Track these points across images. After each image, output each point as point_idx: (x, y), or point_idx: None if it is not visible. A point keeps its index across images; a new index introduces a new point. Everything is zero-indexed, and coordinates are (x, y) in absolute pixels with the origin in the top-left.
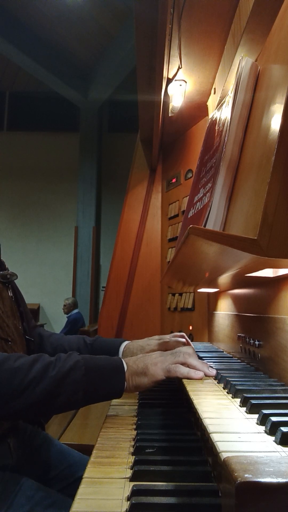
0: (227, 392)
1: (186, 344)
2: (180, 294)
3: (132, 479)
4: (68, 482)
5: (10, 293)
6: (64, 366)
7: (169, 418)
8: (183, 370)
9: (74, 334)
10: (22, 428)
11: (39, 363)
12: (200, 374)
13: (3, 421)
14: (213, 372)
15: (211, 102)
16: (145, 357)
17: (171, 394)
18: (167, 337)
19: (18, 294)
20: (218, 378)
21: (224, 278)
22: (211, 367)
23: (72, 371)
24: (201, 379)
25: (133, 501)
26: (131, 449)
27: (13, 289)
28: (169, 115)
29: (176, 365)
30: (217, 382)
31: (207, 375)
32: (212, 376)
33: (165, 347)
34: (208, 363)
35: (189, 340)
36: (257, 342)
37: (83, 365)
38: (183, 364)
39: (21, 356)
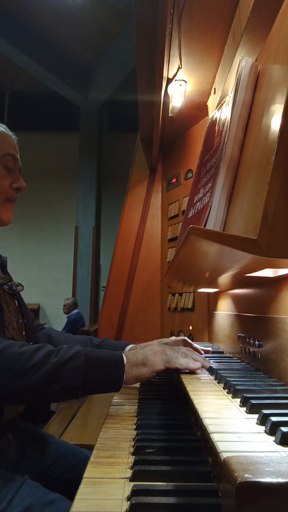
0: (227, 392)
1: (188, 345)
2: (180, 294)
3: (132, 479)
4: (62, 471)
5: (16, 303)
6: (66, 354)
7: (169, 418)
8: (182, 361)
9: (74, 335)
10: (21, 425)
11: (42, 351)
12: (198, 364)
13: (5, 405)
14: (207, 365)
15: (211, 102)
16: (144, 349)
17: (171, 394)
18: (167, 339)
19: (22, 305)
20: (218, 378)
21: (224, 278)
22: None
23: (72, 359)
24: (199, 368)
25: (133, 501)
26: (131, 449)
27: (18, 300)
28: (169, 115)
29: (175, 356)
30: (217, 382)
31: (203, 366)
32: (206, 368)
33: None
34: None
35: (192, 342)
36: (257, 342)
37: (84, 355)
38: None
39: (26, 344)
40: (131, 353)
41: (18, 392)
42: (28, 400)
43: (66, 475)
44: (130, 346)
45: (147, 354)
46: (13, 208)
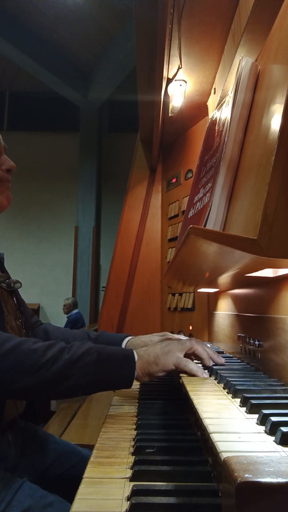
0: (227, 392)
1: None
2: (180, 294)
3: (132, 479)
4: (62, 470)
5: (14, 301)
6: (78, 351)
7: (169, 418)
8: (192, 367)
9: None
10: (21, 425)
11: (55, 348)
12: (206, 375)
13: (5, 406)
14: (222, 360)
15: (211, 102)
16: (155, 347)
17: (171, 394)
18: (170, 334)
19: (20, 301)
20: (218, 378)
21: (224, 278)
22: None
23: (84, 355)
24: (207, 377)
25: (133, 501)
26: (131, 449)
27: (16, 297)
28: (169, 115)
29: (186, 360)
30: (217, 382)
31: (217, 363)
32: (221, 364)
33: None
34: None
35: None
36: (257, 342)
37: (96, 352)
38: (190, 349)
39: (38, 340)
40: (143, 350)
41: (31, 388)
42: (40, 396)
43: (66, 474)
44: (129, 338)
45: (158, 353)
46: (9, 187)
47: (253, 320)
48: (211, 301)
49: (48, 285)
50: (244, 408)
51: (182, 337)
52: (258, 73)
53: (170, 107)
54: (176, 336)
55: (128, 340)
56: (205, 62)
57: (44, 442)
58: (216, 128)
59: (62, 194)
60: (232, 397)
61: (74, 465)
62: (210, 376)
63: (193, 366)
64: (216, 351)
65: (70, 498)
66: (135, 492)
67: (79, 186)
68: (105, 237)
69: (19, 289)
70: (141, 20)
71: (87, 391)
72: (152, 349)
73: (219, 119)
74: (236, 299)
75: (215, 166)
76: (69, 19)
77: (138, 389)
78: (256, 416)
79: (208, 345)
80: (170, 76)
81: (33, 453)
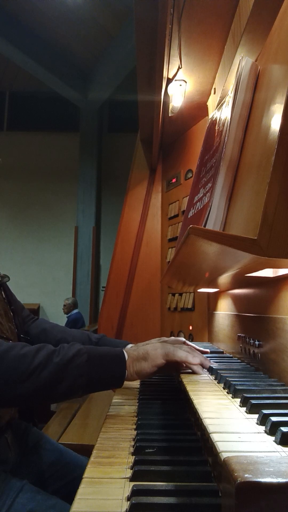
0: (227, 392)
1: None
2: (180, 294)
3: (132, 479)
4: (63, 482)
5: (2, 295)
6: (68, 354)
7: (169, 418)
8: (181, 354)
9: None
10: (17, 425)
11: (43, 351)
12: (197, 360)
13: (8, 408)
14: (208, 364)
15: (211, 102)
16: (145, 345)
17: (171, 394)
18: (166, 338)
19: (9, 294)
20: (218, 378)
21: (224, 278)
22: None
23: (75, 357)
24: (198, 363)
25: (133, 501)
26: (131, 449)
27: (4, 290)
28: (169, 115)
29: (174, 349)
30: (217, 382)
31: (203, 366)
32: (206, 367)
33: None
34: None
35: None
36: (257, 342)
37: (86, 353)
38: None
39: (26, 345)
40: (132, 348)
41: (24, 394)
42: (33, 402)
43: (65, 479)
44: (130, 345)
45: (147, 349)
46: None
47: (253, 320)
48: (211, 301)
49: (48, 285)
50: (244, 408)
51: (182, 339)
52: (258, 73)
53: (170, 107)
54: (172, 338)
55: (131, 348)
56: (205, 62)
57: (42, 444)
58: (216, 128)
59: (62, 194)
60: (232, 397)
61: (72, 469)
62: (210, 375)
63: (182, 353)
64: (216, 351)
65: (69, 500)
66: (135, 492)
67: (79, 186)
68: (105, 237)
69: (20, 288)
70: (141, 20)
71: (79, 393)
72: (142, 346)
73: (219, 119)
74: (236, 299)
75: (215, 166)
76: (69, 19)
77: (138, 389)
78: (256, 416)
79: (208, 344)
80: (170, 76)
81: (31, 455)
